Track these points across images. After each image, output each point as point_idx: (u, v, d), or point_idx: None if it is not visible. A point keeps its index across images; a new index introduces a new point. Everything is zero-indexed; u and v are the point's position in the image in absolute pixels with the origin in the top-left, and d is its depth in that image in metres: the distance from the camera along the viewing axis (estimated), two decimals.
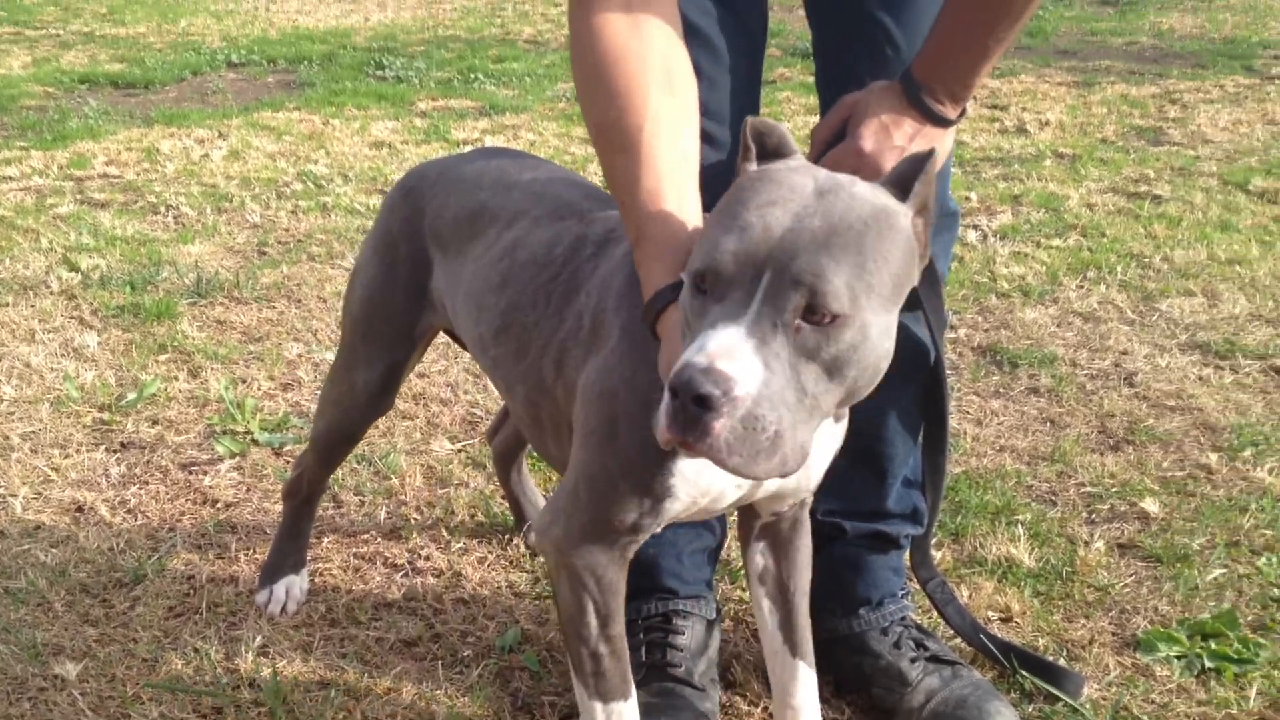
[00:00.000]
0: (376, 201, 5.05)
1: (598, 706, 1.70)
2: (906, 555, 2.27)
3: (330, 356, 3.49)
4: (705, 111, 1.89)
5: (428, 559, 2.54)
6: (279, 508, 2.73)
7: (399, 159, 5.77)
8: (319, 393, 3.28)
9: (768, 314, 1.27)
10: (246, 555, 2.55)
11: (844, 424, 1.70)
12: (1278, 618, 2.32)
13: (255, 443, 3.01)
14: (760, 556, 1.86)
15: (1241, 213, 4.76)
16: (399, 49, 8.87)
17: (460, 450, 3.02)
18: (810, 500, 1.83)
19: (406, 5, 11.39)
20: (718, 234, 1.33)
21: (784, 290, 1.26)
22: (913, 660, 2.09)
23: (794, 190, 1.35)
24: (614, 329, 1.62)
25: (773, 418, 1.25)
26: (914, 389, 2.09)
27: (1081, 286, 4.01)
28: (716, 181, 1.72)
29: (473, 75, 7.86)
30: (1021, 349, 3.54)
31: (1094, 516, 2.70)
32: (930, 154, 1.39)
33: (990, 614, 2.35)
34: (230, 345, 3.58)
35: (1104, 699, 2.12)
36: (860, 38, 1.92)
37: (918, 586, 2.26)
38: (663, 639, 2.13)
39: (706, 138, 1.90)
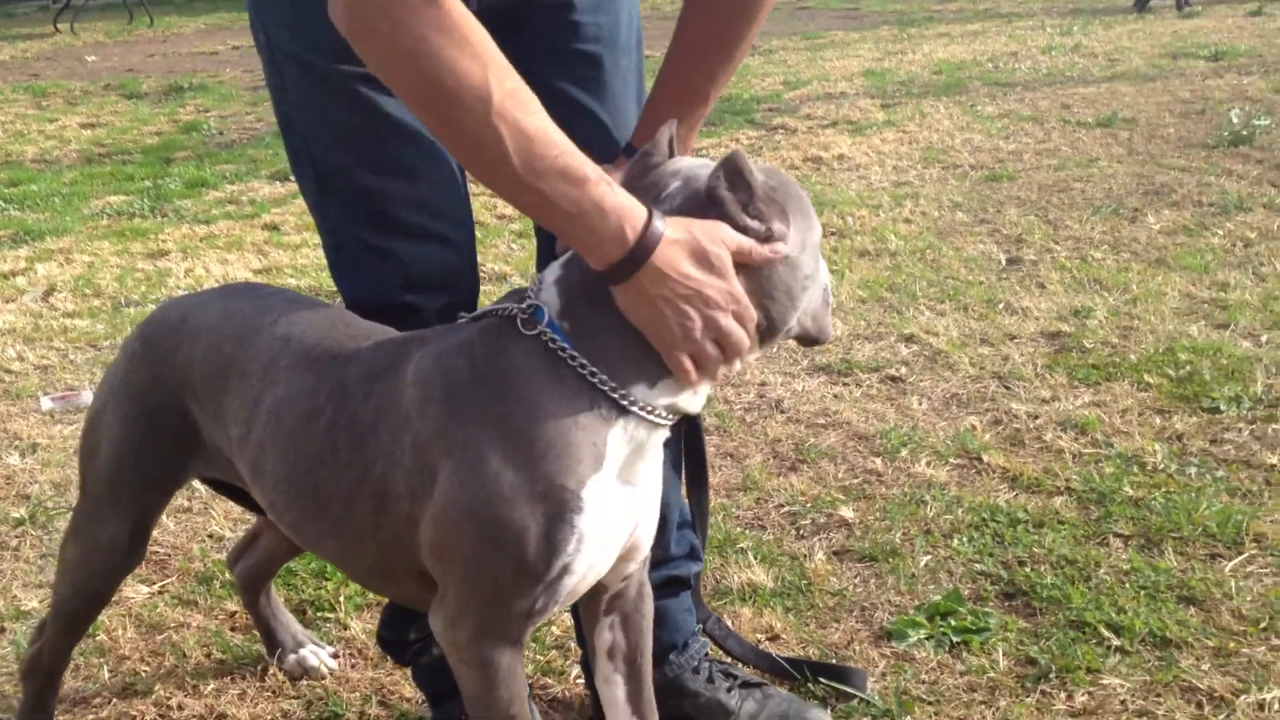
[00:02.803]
0: None
1: None
2: None
3: None
4: (436, 213, 1.90)
5: (182, 708, 2.35)
6: None
7: None
8: None
9: None
10: None
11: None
12: (989, 588, 2.63)
13: None
14: (609, 632, 1.85)
15: None
16: None
17: (160, 591, 2.80)
18: (648, 559, 1.86)
19: None
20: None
21: None
22: (728, 690, 2.19)
23: None
24: (457, 439, 1.55)
25: None
26: (677, 432, 2.20)
27: None
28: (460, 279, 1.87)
29: None
30: None
31: (803, 532, 2.92)
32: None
33: (759, 636, 2.49)
34: None
35: (885, 688, 2.31)
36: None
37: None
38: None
39: (440, 239, 1.92)
